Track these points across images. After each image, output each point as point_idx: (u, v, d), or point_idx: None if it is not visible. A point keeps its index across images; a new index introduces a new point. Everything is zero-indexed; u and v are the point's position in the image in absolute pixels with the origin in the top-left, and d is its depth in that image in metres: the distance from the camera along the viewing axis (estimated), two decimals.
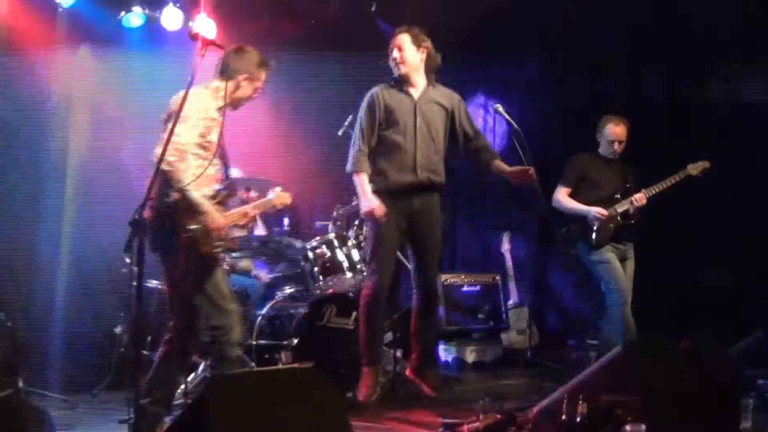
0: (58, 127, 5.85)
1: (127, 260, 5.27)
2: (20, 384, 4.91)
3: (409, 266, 5.07)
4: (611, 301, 5.41)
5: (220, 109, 4.02)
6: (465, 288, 6.71)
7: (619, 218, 5.45)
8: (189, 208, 3.86)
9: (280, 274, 5.98)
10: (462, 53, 6.87)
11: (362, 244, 5.25)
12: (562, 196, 5.57)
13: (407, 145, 4.76)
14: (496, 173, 4.89)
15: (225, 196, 4.08)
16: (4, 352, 4.93)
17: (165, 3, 6.00)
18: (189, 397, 4.49)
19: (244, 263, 5.89)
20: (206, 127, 3.91)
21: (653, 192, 5.42)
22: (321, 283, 5.50)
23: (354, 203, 5.31)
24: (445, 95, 4.91)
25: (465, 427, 3.94)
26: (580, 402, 3.41)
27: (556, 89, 6.72)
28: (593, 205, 5.44)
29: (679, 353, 3.69)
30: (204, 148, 3.90)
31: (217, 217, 3.93)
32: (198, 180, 3.85)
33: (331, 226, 5.74)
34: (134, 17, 5.95)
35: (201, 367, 5.05)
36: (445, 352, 6.61)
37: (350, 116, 5.19)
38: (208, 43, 3.72)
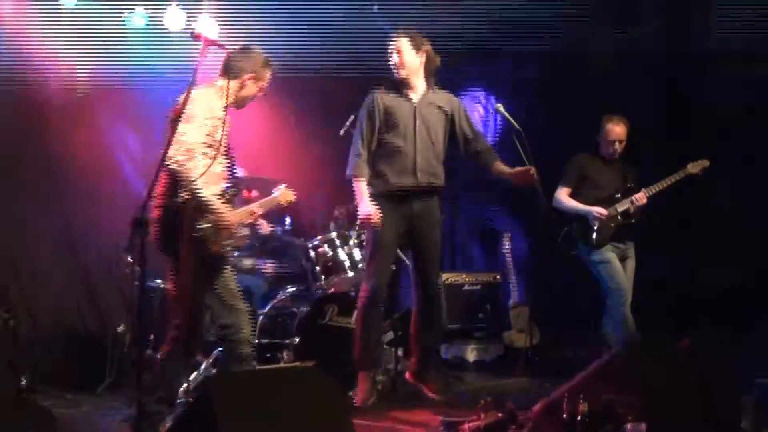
0: (60, 124, 5.86)
1: (129, 259, 5.30)
2: (24, 382, 4.93)
3: (409, 267, 5.07)
4: (611, 301, 5.42)
5: (225, 107, 4.04)
6: (466, 287, 6.72)
7: (619, 218, 5.46)
8: (198, 208, 3.87)
9: (285, 267, 5.99)
10: (463, 53, 6.89)
11: (363, 244, 5.25)
12: (562, 196, 5.58)
13: (407, 148, 4.75)
14: (496, 175, 4.87)
15: (232, 195, 4.10)
16: (8, 351, 4.95)
17: (168, 3, 6.00)
18: (191, 396, 4.51)
19: (247, 262, 5.90)
20: (213, 126, 3.92)
21: (653, 191, 5.43)
22: (323, 282, 5.52)
23: (356, 202, 5.31)
24: (445, 98, 4.91)
25: (466, 426, 3.96)
26: (581, 401, 3.42)
27: (556, 89, 6.72)
28: (594, 205, 5.45)
29: (679, 353, 3.70)
30: (211, 146, 3.91)
31: (227, 215, 3.95)
32: (206, 179, 3.87)
33: (332, 225, 5.77)
34: (137, 17, 5.96)
35: (203, 366, 5.07)
36: (445, 351, 6.62)
37: (351, 116, 5.19)
38: (210, 43, 3.74)
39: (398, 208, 4.77)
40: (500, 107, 4.80)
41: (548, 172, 5.02)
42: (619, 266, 5.46)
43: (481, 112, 7.53)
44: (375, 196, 4.76)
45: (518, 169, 4.70)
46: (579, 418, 3.41)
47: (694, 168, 5.42)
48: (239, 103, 4.16)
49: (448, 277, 6.61)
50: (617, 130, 5.52)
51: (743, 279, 5.94)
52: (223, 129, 3.97)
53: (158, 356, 4.18)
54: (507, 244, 7.03)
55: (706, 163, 5.43)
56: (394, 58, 4.79)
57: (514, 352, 6.66)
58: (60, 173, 5.83)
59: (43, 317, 5.63)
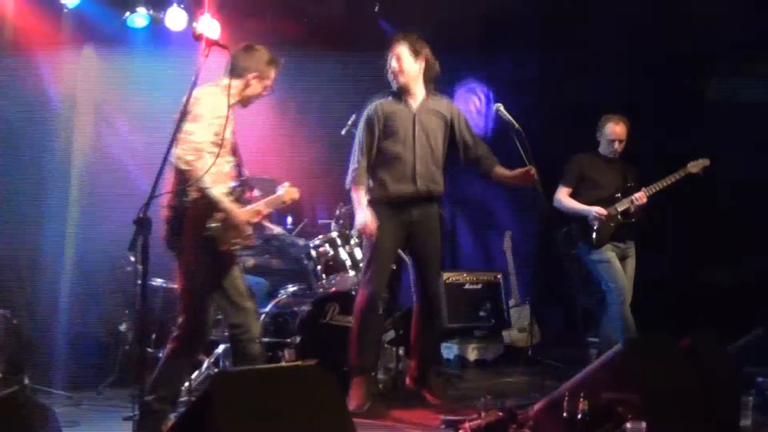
0: (62, 126, 5.87)
1: (132, 258, 5.31)
2: (26, 381, 4.94)
3: (410, 271, 5.07)
4: (611, 300, 5.43)
5: (231, 106, 4.05)
6: (467, 286, 6.74)
7: (619, 217, 5.46)
8: (208, 207, 3.88)
9: (291, 227, 5.99)
10: (463, 53, 6.90)
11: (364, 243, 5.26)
12: (563, 196, 5.59)
13: (406, 155, 4.73)
14: (497, 180, 4.86)
15: (240, 193, 4.11)
16: (10, 349, 4.95)
17: (169, 4, 6.02)
18: (193, 395, 4.52)
19: (249, 261, 5.91)
20: (220, 125, 3.93)
21: (653, 190, 5.43)
22: (324, 281, 5.53)
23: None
24: (444, 105, 4.89)
25: (467, 425, 3.97)
26: (581, 399, 3.43)
27: (556, 89, 6.73)
28: (594, 205, 5.45)
29: (679, 352, 3.71)
30: (218, 145, 3.93)
31: (237, 214, 3.96)
32: (214, 177, 3.88)
33: (333, 224, 5.77)
34: (138, 18, 5.97)
35: (205, 365, 5.08)
36: (446, 350, 6.64)
37: (353, 115, 5.20)
38: (211, 43, 3.76)
39: (397, 215, 4.76)
40: (500, 107, 4.77)
41: (548, 172, 5.03)
42: (618, 266, 5.47)
43: (476, 103, 7.56)
44: (374, 203, 4.76)
45: (518, 170, 4.68)
46: (579, 416, 3.42)
47: (694, 167, 5.42)
48: (244, 102, 4.16)
49: (449, 276, 6.63)
50: (617, 129, 5.52)
51: (743, 279, 5.94)
52: (224, 127, 3.98)
53: (161, 355, 4.19)
54: (508, 243, 7.05)
55: (706, 162, 5.43)
56: (393, 65, 4.77)
57: (515, 351, 6.68)
58: (62, 173, 5.84)
59: (46, 316, 5.64)
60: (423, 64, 4.79)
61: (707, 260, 6.09)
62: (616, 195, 5.49)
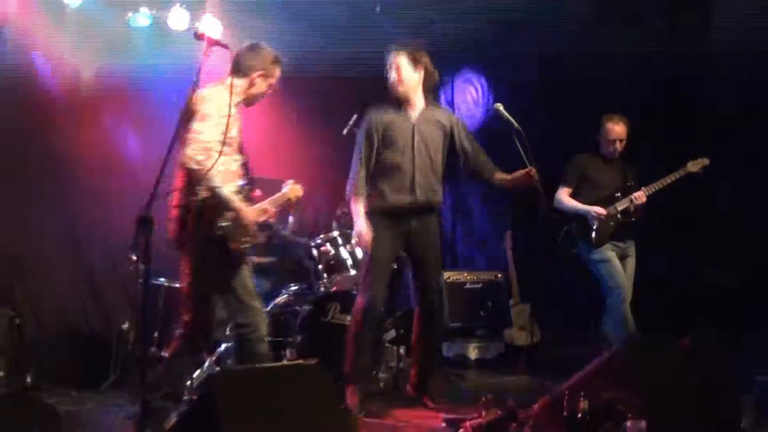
0: (65, 124, 5.88)
1: (134, 257, 5.33)
2: (29, 380, 4.96)
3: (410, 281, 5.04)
4: (611, 300, 5.43)
5: (236, 105, 4.07)
6: (467, 285, 6.74)
7: (619, 216, 5.47)
8: (218, 206, 3.90)
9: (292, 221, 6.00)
10: (464, 53, 6.90)
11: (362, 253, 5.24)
12: (563, 196, 5.60)
13: (405, 166, 4.72)
14: (499, 185, 4.83)
15: (248, 192, 4.12)
16: (13, 348, 4.97)
17: (172, 3, 6.03)
18: (194, 393, 4.53)
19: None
20: (226, 124, 3.96)
21: (653, 190, 5.44)
22: (325, 280, 5.55)
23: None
24: (444, 115, 4.89)
25: (468, 424, 3.99)
26: (582, 399, 3.44)
27: (556, 89, 6.73)
28: (594, 204, 5.46)
29: (680, 352, 3.72)
30: (226, 144, 3.94)
31: (247, 213, 3.97)
32: (223, 176, 3.90)
33: (335, 224, 5.78)
34: (141, 17, 5.98)
35: (207, 364, 5.09)
36: (447, 349, 6.65)
37: (354, 115, 5.21)
38: (213, 43, 3.76)
39: (396, 226, 4.75)
40: (500, 107, 4.75)
41: (548, 173, 5.03)
42: (618, 265, 5.48)
43: (473, 93, 7.57)
44: (373, 213, 4.76)
45: (519, 172, 4.67)
46: (579, 415, 3.44)
47: (694, 166, 5.43)
48: (249, 101, 4.17)
49: (449, 276, 6.64)
50: (617, 129, 5.53)
51: (743, 278, 5.95)
52: (227, 125, 4.00)
53: (165, 353, 4.20)
54: (508, 243, 7.05)
55: (706, 161, 5.43)
56: (393, 75, 4.76)
57: (515, 350, 6.68)
58: (64, 172, 5.84)
59: (48, 315, 5.65)
60: (422, 73, 4.77)
61: (707, 260, 6.10)
62: (616, 195, 5.50)
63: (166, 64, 5.93)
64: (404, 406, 4.87)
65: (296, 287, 5.78)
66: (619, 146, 5.56)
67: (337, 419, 3.05)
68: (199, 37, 3.77)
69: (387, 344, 5.44)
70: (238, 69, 4.09)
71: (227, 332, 4.99)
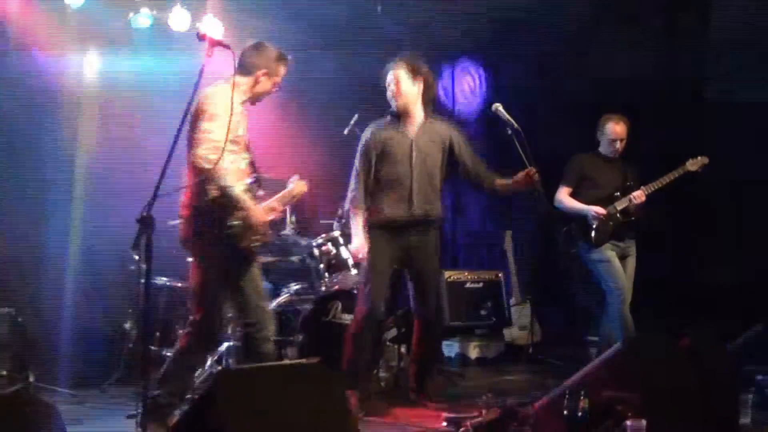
0: (67, 123, 5.89)
1: (136, 257, 5.34)
2: (30, 379, 4.96)
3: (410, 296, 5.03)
4: (610, 300, 5.42)
5: (242, 103, 4.08)
6: (468, 285, 6.75)
7: (618, 216, 5.47)
8: (228, 205, 3.90)
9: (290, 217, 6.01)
10: (464, 53, 6.92)
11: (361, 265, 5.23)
12: (563, 196, 5.59)
13: (404, 181, 4.72)
14: (502, 191, 4.84)
15: (256, 190, 4.12)
16: (15, 347, 4.98)
17: (173, 4, 6.04)
18: (196, 392, 4.54)
19: None
20: (234, 123, 3.96)
21: (652, 189, 5.43)
22: (326, 279, 5.56)
23: None
24: (443, 129, 4.87)
25: (468, 422, 4.00)
26: (582, 398, 3.45)
27: (556, 89, 6.74)
28: (594, 204, 5.46)
29: (679, 351, 3.73)
30: (234, 143, 3.95)
31: (257, 211, 3.98)
32: (233, 175, 3.91)
33: (336, 223, 5.79)
34: (142, 18, 6.00)
35: (208, 362, 5.11)
36: (448, 348, 6.66)
37: (356, 115, 5.22)
38: (215, 43, 3.77)
39: (395, 239, 4.75)
40: (499, 107, 4.72)
41: (548, 172, 5.03)
42: (618, 265, 5.47)
43: (470, 81, 7.59)
44: (372, 227, 4.77)
45: (519, 175, 4.65)
46: (580, 414, 3.44)
47: (693, 165, 5.42)
48: (254, 99, 4.17)
49: (450, 275, 6.65)
50: (617, 129, 5.53)
51: (743, 278, 5.95)
52: (244, 124, 4.01)
53: (165, 352, 4.21)
54: (508, 242, 7.07)
55: (705, 160, 5.42)
56: (392, 88, 4.76)
57: (516, 349, 6.70)
58: (67, 171, 5.86)
59: (50, 314, 5.65)
60: (421, 85, 4.77)
61: (707, 260, 6.10)
62: (616, 194, 5.49)
63: (167, 65, 5.94)
64: (405, 405, 4.88)
65: (297, 286, 5.79)
66: (619, 146, 5.55)
67: (339, 418, 3.05)
68: (200, 37, 3.78)
69: (388, 343, 5.46)
70: (243, 67, 4.10)
71: (229, 331, 5.01)
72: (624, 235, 5.52)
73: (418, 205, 4.73)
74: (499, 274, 6.89)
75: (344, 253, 5.57)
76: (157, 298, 5.39)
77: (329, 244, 5.61)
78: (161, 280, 5.44)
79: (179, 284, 5.51)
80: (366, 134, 4.84)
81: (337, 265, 5.57)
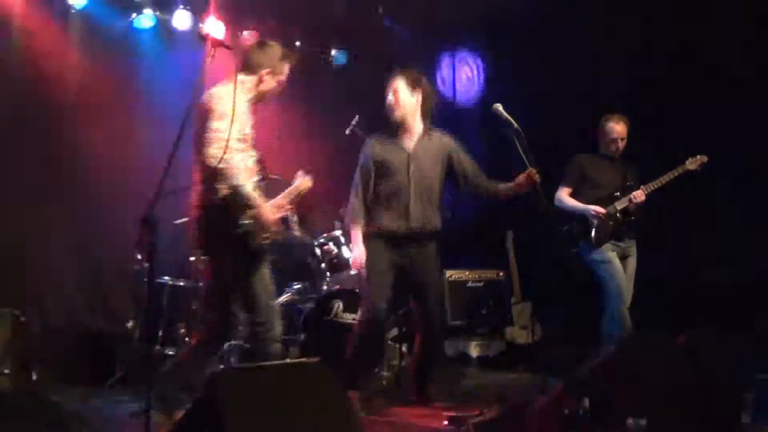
0: (70, 123, 5.92)
1: (139, 256, 5.37)
2: (34, 377, 4.99)
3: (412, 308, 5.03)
4: (609, 300, 5.40)
5: (248, 101, 4.10)
6: (469, 284, 6.77)
7: (618, 215, 5.47)
8: (239, 203, 3.92)
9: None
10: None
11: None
12: (563, 196, 5.59)
13: (401, 195, 4.74)
14: (504, 197, 4.83)
15: (264, 188, 4.13)
16: (18, 346, 5.00)
17: (175, 6, 6.07)
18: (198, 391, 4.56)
19: None
20: (242, 121, 3.98)
21: (652, 188, 5.42)
22: (328, 279, 5.59)
23: None
24: (442, 141, 4.86)
25: (469, 421, 4.01)
26: (582, 396, 3.46)
27: (556, 89, 6.74)
28: (594, 204, 5.47)
29: (677, 350, 3.74)
30: (242, 141, 3.97)
31: (267, 210, 3.99)
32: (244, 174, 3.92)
33: (338, 223, 5.81)
34: (145, 19, 6.03)
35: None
36: (449, 347, 6.68)
37: (357, 116, 5.24)
38: (217, 44, 3.80)
39: (394, 249, 4.76)
40: (499, 107, 4.69)
41: (549, 172, 5.03)
42: (619, 266, 5.47)
43: (467, 72, 7.60)
44: (371, 236, 4.78)
45: (520, 177, 4.64)
46: (580, 413, 3.45)
47: (692, 164, 5.41)
48: (259, 98, 4.19)
49: (451, 274, 6.67)
50: (618, 128, 5.53)
51: (743, 278, 5.95)
52: (250, 123, 4.03)
53: (169, 352, 4.22)
54: (510, 242, 7.08)
55: (704, 158, 5.40)
56: (390, 98, 4.77)
57: (517, 348, 6.72)
58: (69, 172, 5.88)
59: (53, 313, 5.68)
60: (420, 96, 4.78)
61: (707, 260, 6.10)
62: (616, 194, 5.49)
63: (170, 65, 5.97)
64: (406, 404, 4.89)
65: (299, 286, 5.81)
66: (620, 145, 5.56)
67: (341, 417, 3.06)
68: (203, 38, 3.80)
69: (389, 342, 5.48)
70: (247, 66, 4.13)
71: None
72: (624, 235, 5.52)
73: (415, 218, 4.74)
74: (500, 274, 6.91)
75: (346, 252, 5.59)
76: (159, 297, 5.42)
77: (331, 243, 5.64)
78: (164, 279, 5.46)
79: (182, 283, 5.55)
80: (365, 148, 4.87)
81: (338, 264, 5.60)
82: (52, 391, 4.94)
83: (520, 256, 7.06)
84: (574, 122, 6.21)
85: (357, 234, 4.79)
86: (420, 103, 4.80)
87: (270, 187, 4.65)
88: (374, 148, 4.82)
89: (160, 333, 5.41)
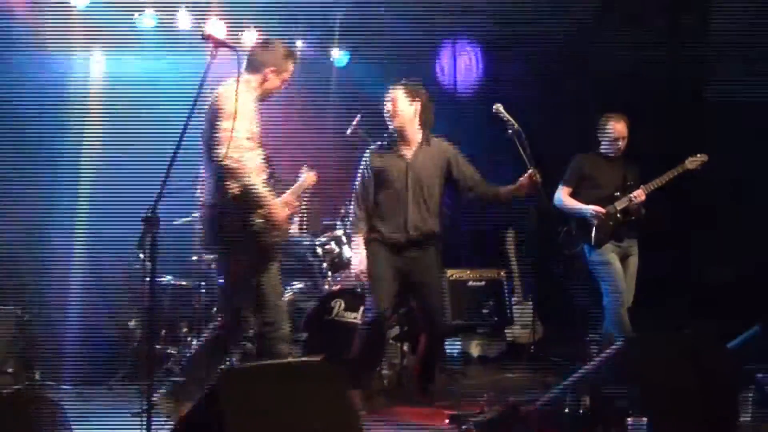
0: (72, 123, 5.93)
1: (141, 256, 5.37)
2: (36, 377, 5.00)
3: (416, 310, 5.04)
4: (608, 302, 5.41)
5: (254, 100, 4.11)
6: (470, 283, 6.77)
7: (619, 215, 5.46)
8: (251, 202, 3.92)
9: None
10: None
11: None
12: (563, 196, 5.59)
13: (400, 205, 4.76)
14: (505, 200, 4.83)
15: (272, 185, 4.14)
16: (21, 345, 5.02)
17: (177, 5, 6.07)
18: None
19: None
20: (251, 120, 3.99)
21: (652, 188, 5.42)
22: (329, 278, 5.60)
23: None
24: (441, 150, 4.87)
25: (470, 420, 4.03)
26: (583, 396, 3.47)
27: (556, 89, 6.75)
28: (594, 204, 5.46)
29: (679, 349, 3.75)
30: (250, 139, 3.98)
31: (278, 208, 4.00)
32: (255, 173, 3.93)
33: (339, 222, 5.82)
34: (147, 19, 6.03)
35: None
36: (450, 347, 6.68)
37: (358, 116, 5.25)
38: (219, 44, 3.81)
39: (395, 253, 4.78)
40: (499, 107, 4.70)
41: (549, 172, 5.04)
42: (619, 267, 5.46)
43: (466, 60, 7.60)
44: (372, 242, 4.80)
45: (522, 179, 4.63)
46: (581, 412, 3.47)
47: (692, 163, 5.40)
48: (263, 96, 4.20)
49: (452, 273, 6.67)
50: (619, 127, 5.52)
51: (743, 277, 5.96)
52: (257, 121, 4.04)
53: (170, 350, 4.22)
54: (511, 241, 7.08)
55: (704, 157, 5.40)
56: (388, 107, 4.79)
57: (518, 347, 6.73)
58: (72, 172, 5.89)
59: (56, 313, 5.68)
60: (419, 106, 4.79)
61: (707, 259, 6.11)
62: (616, 194, 5.48)
63: (172, 65, 5.97)
64: (408, 403, 4.91)
65: (301, 285, 5.82)
66: (621, 144, 5.56)
67: (343, 415, 3.07)
68: (205, 38, 3.81)
69: (391, 341, 5.48)
70: (252, 65, 4.14)
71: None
72: (624, 235, 5.50)
73: (414, 227, 4.76)
74: (501, 273, 6.91)
75: (347, 251, 5.59)
76: (161, 297, 5.43)
77: (332, 242, 5.64)
78: (166, 278, 5.47)
79: (183, 283, 5.56)
80: (365, 158, 4.89)
81: (339, 263, 5.60)
82: (54, 389, 4.97)
83: (521, 256, 7.06)
84: (573, 122, 6.22)
85: (358, 241, 4.81)
86: (418, 112, 4.81)
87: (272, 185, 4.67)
88: (373, 158, 4.85)
89: (162, 332, 5.43)
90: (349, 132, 5.30)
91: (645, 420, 3.34)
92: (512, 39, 6.97)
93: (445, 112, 5.30)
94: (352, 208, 4.89)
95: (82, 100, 5.95)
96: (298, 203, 4.30)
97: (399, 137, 4.83)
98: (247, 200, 3.92)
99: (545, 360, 6.26)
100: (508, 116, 4.69)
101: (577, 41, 6.60)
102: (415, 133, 4.84)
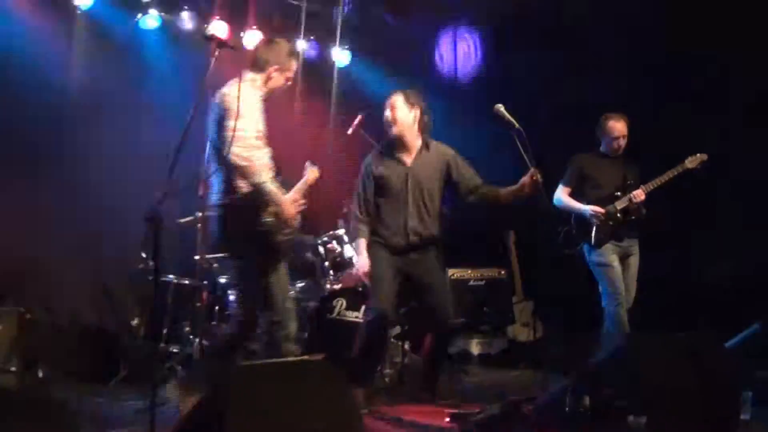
0: (74, 123, 5.94)
1: (144, 255, 5.40)
2: (40, 375, 5.02)
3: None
4: (607, 303, 5.41)
5: (260, 99, 4.13)
6: (471, 282, 6.78)
7: (619, 215, 5.46)
8: (261, 201, 3.94)
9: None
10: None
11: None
12: (563, 196, 5.59)
13: (399, 212, 4.80)
14: (505, 201, 4.83)
15: (278, 183, 4.17)
16: (24, 344, 5.03)
17: (180, 6, 6.10)
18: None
19: None
20: (258, 119, 4.02)
21: (652, 187, 5.41)
22: (331, 277, 5.62)
23: None
24: (440, 154, 4.90)
25: (471, 419, 4.04)
26: (583, 395, 3.49)
27: (556, 89, 6.75)
28: (594, 204, 5.46)
29: (679, 350, 3.76)
30: (258, 138, 4.00)
31: (288, 206, 4.02)
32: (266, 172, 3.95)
33: (341, 222, 5.84)
34: (150, 19, 6.05)
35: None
36: (451, 345, 6.69)
37: (359, 115, 5.26)
38: (222, 44, 3.83)
39: (397, 256, 4.81)
40: (500, 107, 4.68)
41: (549, 172, 5.04)
42: (618, 269, 5.44)
43: (464, 47, 7.61)
44: (375, 244, 4.83)
45: (523, 179, 4.64)
46: (581, 411, 3.48)
47: (691, 163, 5.39)
48: (268, 95, 4.21)
49: (453, 273, 6.68)
50: (619, 126, 5.51)
51: (743, 277, 5.96)
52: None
53: (174, 349, 4.22)
54: (510, 241, 7.10)
55: (704, 157, 5.39)
56: (387, 114, 4.82)
57: (518, 346, 6.74)
58: (75, 171, 5.91)
59: (59, 312, 5.69)
60: (418, 113, 4.82)
61: (707, 258, 6.11)
62: (616, 194, 5.47)
63: (175, 65, 5.99)
64: (409, 401, 4.91)
65: (302, 284, 5.84)
66: (621, 143, 5.55)
67: (344, 414, 3.09)
68: (208, 38, 3.83)
69: (392, 340, 5.50)
70: (256, 64, 4.17)
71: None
72: (624, 234, 5.49)
73: (413, 232, 4.80)
74: (503, 272, 6.92)
75: (349, 251, 5.61)
76: (164, 296, 5.45)
77: (334, 242, 5.67)
78: (169, 277, 5.49)
79: (186, 282, 5.58)
80: (365, 163, 4.92)
81: (341, 263, 5.63)
82: (57, 388, 4.98)
83: (522, 255, 7.07)
84: (573, 122, 6.23)
85: (361, 244, 4.83)
86: (417, 119, 4.84)
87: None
88: (373, 164, 4.88)
89: (165, 331, 5.45)
90: (350, 132, 5.32)
91: (644, 419, 3.35)
92: (511, 37, 6.98)
93: (445, 112, 5.32)
94: (354, 212, 4.92)
95: (84, 101, 5.97)
96: (304, 201, 4.30)
97: (399, 144, 4.87)
98: (258, 198, 3.94)
99: (546, 359, 6.26)
100: (508, 116, 4.68)
101: (577, 40, 6.60)
102: (415, 139, 4.87)
